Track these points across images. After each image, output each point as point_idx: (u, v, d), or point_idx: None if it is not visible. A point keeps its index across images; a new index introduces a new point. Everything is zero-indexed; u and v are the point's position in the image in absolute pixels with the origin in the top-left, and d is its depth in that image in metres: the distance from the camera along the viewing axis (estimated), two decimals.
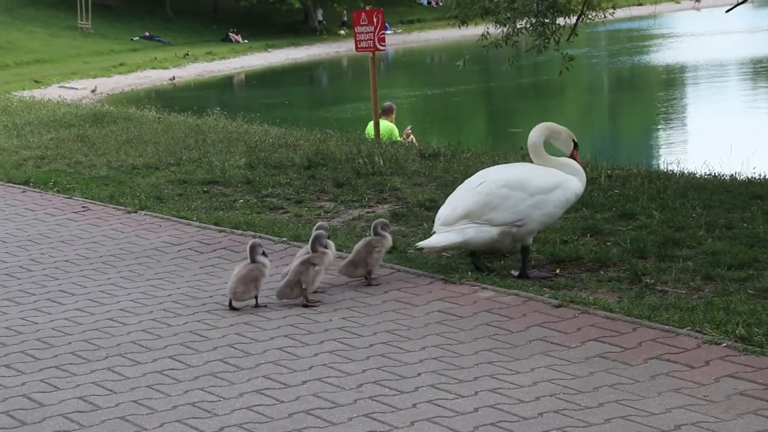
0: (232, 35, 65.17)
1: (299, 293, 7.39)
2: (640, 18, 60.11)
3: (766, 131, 28.21)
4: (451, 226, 7.83)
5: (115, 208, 10.96)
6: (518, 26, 13.31)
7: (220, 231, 9.66)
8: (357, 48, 17.10)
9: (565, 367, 5.99)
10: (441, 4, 75.05)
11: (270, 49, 62.77)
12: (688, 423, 5.17)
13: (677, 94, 39.58)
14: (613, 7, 15.27)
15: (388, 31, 58.74)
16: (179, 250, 9.15)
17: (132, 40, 61.96)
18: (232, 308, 7.40)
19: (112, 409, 5.65)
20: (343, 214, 10.32)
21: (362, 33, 16.72)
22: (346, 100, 41.33)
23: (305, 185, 11.57)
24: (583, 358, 6.11)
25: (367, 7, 16.84)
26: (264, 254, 7.55)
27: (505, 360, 6.14)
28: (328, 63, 61.86)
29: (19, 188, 12.40)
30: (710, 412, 5.29)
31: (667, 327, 6.45)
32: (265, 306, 7.41)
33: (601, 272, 7.92)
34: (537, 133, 8.14)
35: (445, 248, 8.03)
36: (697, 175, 11.61)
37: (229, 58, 58.73)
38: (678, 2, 72.24)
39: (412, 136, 19.65)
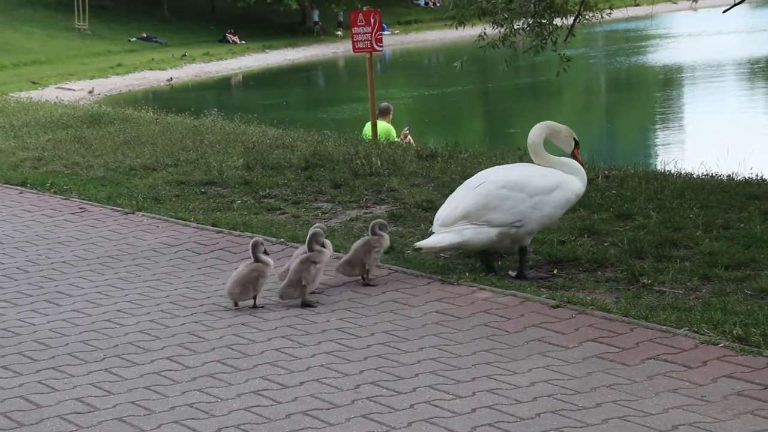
0: (229, 36, 65.16)
1: (302, 292, 7.39)
2: (637, 18, 60.19)
3: (763, 131, 28.25)
4: (450, 226, 7.82)
5: (112, 209, 10.95)
6: (515, 27, 13.30)
7: (218, 232, 9.66)
8: (354, 49, 17.12)
9: (563, 367, 5.99)
10: (438, 4, 75.06)
11: (267, 50, 62.78)
12: (686, 423, 5.18)
13: (674, 94, 39.60)
14: (610, 8, 15.25)
15: (386, 32, 58.66)
16: (177, 251, 9.15)
17: (129, 41, 61.95)
18: (236, 306, 7.39)
19: (110, 411, 5.65)
20: (341, 215, 10.32)
21: (359, 34, 16.74)
22: (343, 101, 41.35)
23: (303, 186, 11.57)
24: (581, 359, 6.11)
25: (365, 8, 16.85)
26: (266, 252, 7.55)
27: (503, 360, 6.14)
28: (325, 64, 61.85)
29: (16, 189, 12.39)
30: (708, 413, 5.29)
31: (664, 327, 6.46)
32: (262, 307, 7.41)
33: (599, 273, 7.92)
34: (537, 132, 8.12)
35: (443, 249, 8.03)
36: (695, 176, 11.62)
37: (226, 59, 58.73)
38: (675, 2, 72.37)
39: (409, 136, 19.66)
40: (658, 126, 32.03)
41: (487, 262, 8.05)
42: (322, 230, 7.69)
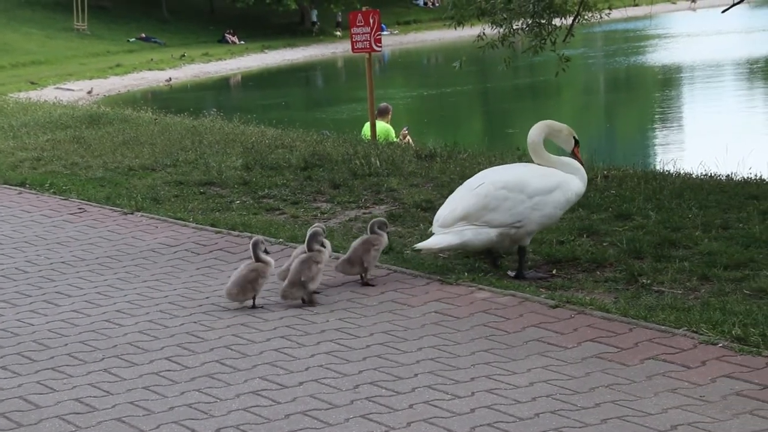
0: (228, 36, 65.16)
1: (305, 291, 7.39)
2: (636, 18, 60.25)
3: (762, 131, 28.27)
4: (450, 227, 7.82)
5: (111, 209, 10.95)
6: (514, 27, 13.30)
7: (217, 232, 9.65)
8: (353, 49, 17.13)
9: (562, 367, 5.99)
10: (437, 5, 75.07)
11: (266, 50, 62.79)
12: (685, 423, 5.18)
13: (673, 94, 39.62)
14: (609, 8, 15.25)
15: (385, 32, 58.61)
16: (176, 252, 9.15)
17: (128, 41, 61.95)
18: (254, 306, 7.39)
19: (109, 411, 5.65)
20: (340, 215, 10.32)
21: (359, 34, 16.75)
22: (342, 101, 41.35)
23: (302, 186, 11.57)
24: (580, 359, 6.11)
25: (364, 8, 16.86)
26: (266, 252, 7.56)
27: (502, 361, 6.14)
28: (324, 64, 61.86)
29: (15, 190, 12.39)
30: (706, 413, 5.29)
31: (663, 327, 6.46)
32: (262, 307, 7.41)
33: (598, 273, 7.92)
34: (537, 131, 8.11)
35: (442, 250, 8.02)
36: (694, 176, 11.62)
37: (225, 59, 58.74)
38: (674, 2, 72.41)
39: (408, 137, 19.66)
40: (657, 126, 32.04)
41: (491, 258, 8.05)
42: (321, 230, 7.69)
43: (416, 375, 5.97)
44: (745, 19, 61.80)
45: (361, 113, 29.99)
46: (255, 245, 7.53)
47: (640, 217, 9.26)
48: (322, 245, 7.58)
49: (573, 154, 8.22)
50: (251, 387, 5.90)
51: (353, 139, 15.35)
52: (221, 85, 53.11)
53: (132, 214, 10.68)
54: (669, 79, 44.05)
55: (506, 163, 10.92)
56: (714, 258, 7.91)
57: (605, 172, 11.46)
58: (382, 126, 18.41)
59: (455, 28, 14.27)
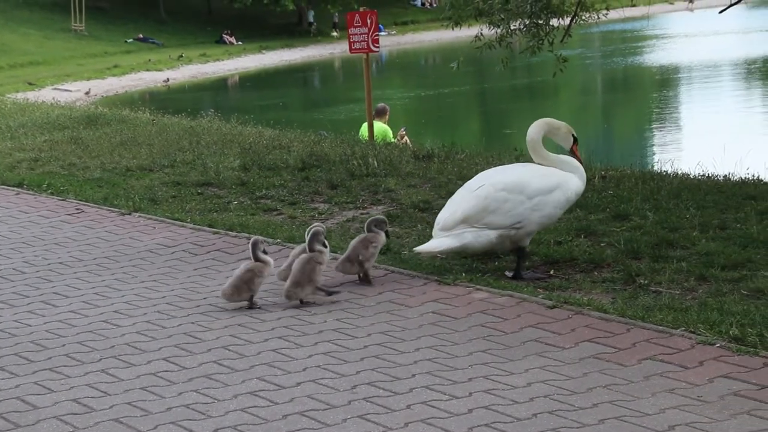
0: (226, 37, 65.14)
1: (311, 291, 7.39)
2: (634, 19, 60.14)
3: (760, 132, 28.29)
4: (451, 230, 7.82)
5: (108, 210, 10.95)
6: (512, 27, 13.30)
7: (214, 233, 9.65)
8: (351, 49, 17.14)
9: (559, 368, 5.99)
10: (435, 5, 75.05)
11: (264, 51, 62.75)
12: (682, 423, 5.18)
13: (671, 94, 39.64)
14: (607, 8, 15.25)
15: (382, 33, 58.63)
16: (173, 252, 9.15)
17: (126, 42, 61.92)
18: (251, 306, 7.38)
19: (106, 411, 5.65)
20: (338, 216, 10.32)
21: (356, 34, 16.76)
22: (339, 102, 41.34)
23: (299, 187, 11.56)
24: (577, 359, 6.11)
25: (361, 9, 16.86)
26: (264, 252, 7.56)
27: (500, 361, 6.15)
28: (322, 64, 61.84)
29: (13, 190, 12.38)
30: (704, 413, 5.29)
31: (660, 327, 6.46)
32: (259, 307, 7.41)
33: (595, 273, 7.92)
34: (536, 129, 8.11)
35: (442, 253, 8.00)
36: (691, 176, 11.62)
37: (223, 60, 58.70)
38: (671, 3, 72.40)
39: (406, 137, 19.66)
40: (654, 126, 32.06)
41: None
42: (322, 230, 7.68)
43: (414, 375, 5.97)
44: (743, 19, 61.85)
45: (358, 114, 29.99)
46: (254, 245, 7.53)
47: (637, 218, 9.26)
48: (324, 245, 7.57)
49: (572, 152, 8.23)
50: (249, 387, 5.90)
51: (351, 140, 15.35)
52: (219, 85, 53.09)
53: (129, 214, 10.67)
54: (667, 80, 44.07)
55: (504, 163, 10.93)
56: (711, 258, 7.91)
57: (603, 173, 11.46)
58: (380, 126, 18.40)
59: (453, 29, 14.27)
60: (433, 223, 8.08)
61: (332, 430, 5.30)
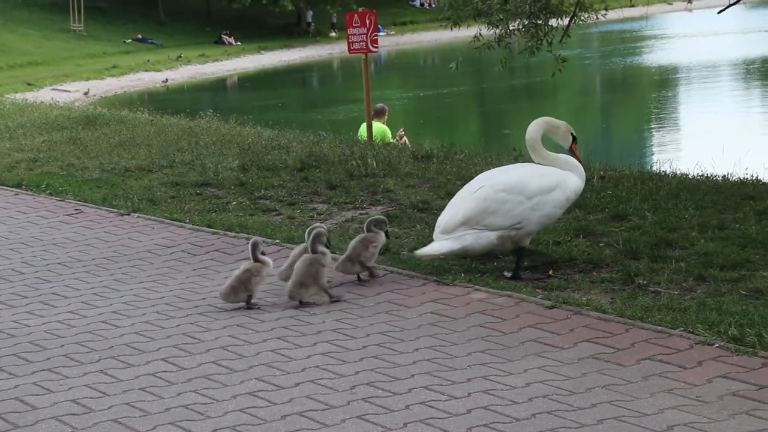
0: (224, 37, 65.14)
1: (314, 292, 7.39)
2: (632, 19, 60.15)
3: (759, 132, 28.29)
4: (451, 233, 7.82)
5: (107, 210, 10.95)
6: (511, 28, 13.30)
7: (213, 233, 9.65)
8: (350, 50, 17.14)
9: (558, 368, 5.99)
10: (433, 5, 75.05)
11: (263, 51, 62.76)
12: (681, 424, 5.18)
13: (670, 95, 39.66)
14: (605, 9, 15.25)
15: (381, 33, 58.68)
16: (172, 253, 9.15)
17: (125, 42, 61.93)
18: (247, 304, 7.39)
19: (105, 412, 5.65)
20: (336, 216, 10.32)
21: (355, 35, 16.76)
22: (338, 102, 41.34)
23: (298, 187, 11.56)
24: (576, 359, 6.11)
25: (360, 9, 16.86)
26: (263, 253, 7.56)
27: (498, 361, 6.15)
28: (320, 65, 61.85)
29: (12, 191, 12.38)
30: (703, 413, 5.29)
31: (659, 328, 6.46)
32: (258, 307, 7.41)
33: (594, 273, 7.92)
34: (535, 128, 8.12)
35: (443, 255, 8.00)
36: (690, 176, 11.62)
37: (221, 60, 58.70)
38: (670, 3, 72.48)
39: (404, 137, 19.66)
40: (653, 126, 32.07)
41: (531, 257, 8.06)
42: (324, 231, 7.67)
43: (413, 376, 5.97)
44: (741, 19, 61.87)
45: (357, 114, 29.99)
46: (254, 246, 7.54)
47: (636, 218, 9.26)
48: (327, 246, 7.57)
49: (570, 151, 8.24)
50: (248, 388, 5.90)
51: (350, 140, 15.35)
52: (218, 86, 53.10)
53: (128, 215, 10.67)
54: (665, 80, 44.08)
55: (503, 163, 10.94)
56: (710, 258, 7.91)
57: (602, 173, 11.46)
58: (379, 127, 18.40)
59: (452, 29, 14.27)
60: (432, 223, 8.08)
61: (331, 431, 5.30)
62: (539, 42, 13.28)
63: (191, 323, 7.15)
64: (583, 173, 8.12)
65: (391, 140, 18.29)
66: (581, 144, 8.85)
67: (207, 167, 12.69)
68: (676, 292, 7.30)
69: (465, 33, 14.76)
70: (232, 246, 9.14)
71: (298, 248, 7.87)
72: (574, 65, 42.82)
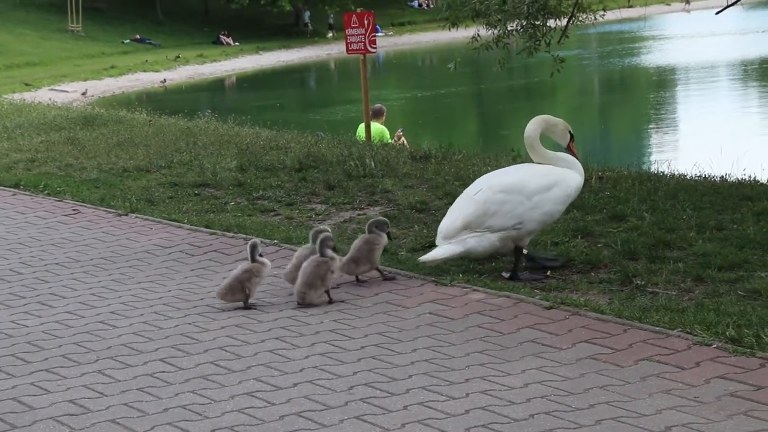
0: (223, 38, 65.11)
1: (321, 294, 7.39)
2: (631, 20, 60.25)
3: (757, 133, 28.30)
4: (453, 238, 7.83)
5: (105, 210, 10.95)
6: (509, 28, 13.30)
7: (211, 234, 9.65)
8: (348, 50, 17.13)
9: (556, 368, 5.99)
10: (432, 6, 75.04)
11: (261, 52, 62.71)
12: (679, 424, 5.18)
13: (668, 95, 39.65)
14: (604, 9, 15.25)
15: (379, 34, 58.66)
16: (170, 253, 9.14)
17: (123, 42, 61.87)
18: (245, 304, 7.39)
19: (103, 412, 5.64)
20: (335, 217, 10.32)
21: (353, 35, 16.75)
22: (336, 103, 41.33)
23: (296, 188, 11.56)
24: (574, 360, 6.11)
25: (358, 10, 16.86)
26: (261, 255, 7.56)
27: (496, 362, 6.15)
28: (318, 65, 61.83)
29: (10, 191, 12.38)
30: (701, 414, 5.29)
31: (657, 328, 6.46)
32: (255, 308, 7.41)
33: (592, 274, 7.92)
34: (533, 126, 8.15)
35: (447, 260, 8.00)
36: (688, 177, 11.63)
37: (220, 61, 58.67)
38: (668, 4, 72.50)
39: (403, 138, 19.66)
40: (651, 127, 32.07)
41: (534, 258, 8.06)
42: (331, 235, 7.63)
43: (411, 376, 5.97)
44: (739, 20, 61.88)
45: (355, 114, 29.99)
46: (252, 248, 7.54)
47: (634, 219, 9.27)
48: (334, 250, 7.55)
49: (568, 149, 8.26)
50: (246, 388, 5.90)
51: (348, 141, 15.35)
52: (216, 86, 53.07)
53: (126, 215, 10.67)
54: (663, 81, 44.10)
55: (501, 164, 10.94)
56: (708, 259, 7.92)
57: (600, 174, 11.47)
58: (377, 127, 18.40)
59: (450, 30, 14.26)
60: (431, 223, 8.10)
61: (329, 431, 5.30)
62: (537, 42, 13.28)
63: (189, 324, 7.15)
64: (582, 170, 8.16)
65: (390, 141, 18.28)
66: (579, 145, 8.86)
67: (205, 168, 12.69)
68: (674, 293, 7.31)
69: (463, 34, 14.76)
70: (230, 246, 9.14)
71: (302, 249, 7.83)
72: (573, 66, 42.77)
